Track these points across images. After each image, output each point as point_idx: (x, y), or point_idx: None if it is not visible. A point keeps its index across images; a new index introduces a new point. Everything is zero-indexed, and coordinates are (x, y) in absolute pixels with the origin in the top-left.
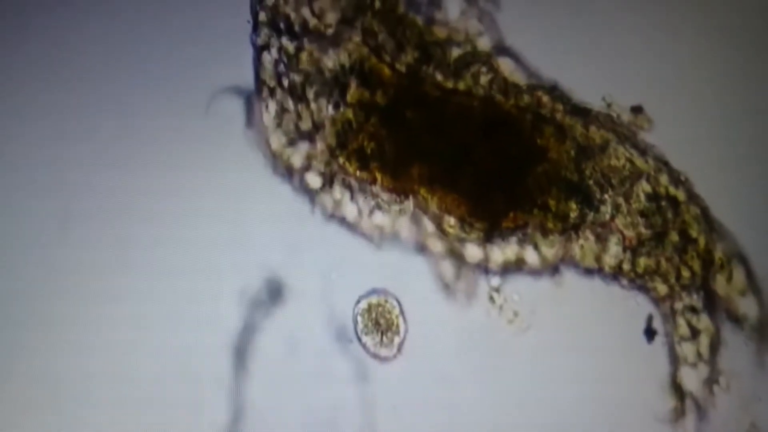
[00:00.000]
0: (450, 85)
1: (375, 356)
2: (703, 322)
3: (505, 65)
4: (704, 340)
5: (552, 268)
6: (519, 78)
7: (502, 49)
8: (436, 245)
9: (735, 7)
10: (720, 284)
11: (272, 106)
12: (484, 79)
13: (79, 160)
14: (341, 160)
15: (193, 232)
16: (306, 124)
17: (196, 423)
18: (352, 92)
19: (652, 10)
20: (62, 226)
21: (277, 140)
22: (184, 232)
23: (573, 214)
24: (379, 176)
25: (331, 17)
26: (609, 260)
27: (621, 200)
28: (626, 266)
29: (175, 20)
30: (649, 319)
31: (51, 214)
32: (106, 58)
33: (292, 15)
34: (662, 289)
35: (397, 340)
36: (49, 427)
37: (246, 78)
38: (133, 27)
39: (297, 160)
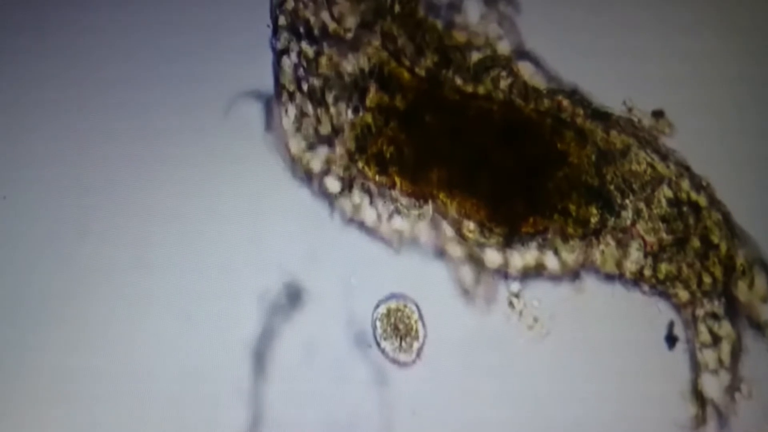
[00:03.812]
0: (470, 89)
1: (394, 361)
2: (725, 328)
3: (525, 69)
4: (726, 347)
5: (572, 274)
6: (539, 82)
7: (521, 53)
8: (456, 250)
9: (757, 10)
10: (742, 290)
11: (292, 110)
12: (503, 84)
13: (99, 161)
14: (360, 164)
15: (213, 236)
16: (325, 129)
17: (216, 426)
18: (372, 96)
19: (673, 14)
20: (81, 226)
21: (296, 144)
22: (203, 235)
23: (594, 219)
24: (398, 180)
25: (351, 21)
26: (630, 266)
27: (642, 205)
28: (647, 272)
29: (195, 24)
30: (671, 325)
31: (69, 214)
32: (128, 60)
33: (312, 19)
34: (684, 295)
35: (416, 345)
36: (63, 425)
37: (266, 82)
38: (155, 31)
39: (316, 164)
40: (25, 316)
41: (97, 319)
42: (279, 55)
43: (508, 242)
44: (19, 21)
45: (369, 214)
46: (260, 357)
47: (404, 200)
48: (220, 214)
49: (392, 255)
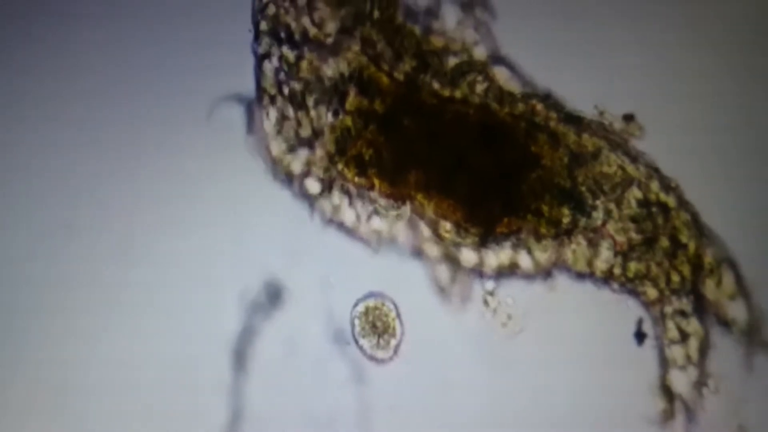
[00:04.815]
0: (447, 93)
1: (372, 358)
2: (693, 325)
3: (501, 74)
4: (694, 344)
5: (545, 273)
6: (514, 87)
7: (497, 59)
8: (432, 250)
9: (725, 15)
10: (709, 289)
11: (273, 114)
12: (479, 88)
13: (82, 168)
14: (340, 166)
15: (195, 236)
16: (306, 131)
17: (196, 425)
18: (351, 100)
19: (645, 20)
20: (66, 234)
21: (277, 147)
22: (185, 234)
23: (566, 220)
24: (376, 182)
25: (331, 27)
26: (600, 265)
27: (612, 206)
28: (617, 271)
29: (177, 29)
30: (640, 322)
31: (54, 222)
32: (108, 66)
33: (293, 24)
34: (652, 293)
35: (393, 342)
36: (45, 416)
37: (247, 86)
38: (135, 35)
39: (297, 166)
40: (6, 330)
41: (79, 315)
42: (260, 59)
43: (483, 242)
44: (3, 27)
45: (348, 215)
46: (240, 354)
47: (383, 201)
48: (203, 214)
49: (371, 254)
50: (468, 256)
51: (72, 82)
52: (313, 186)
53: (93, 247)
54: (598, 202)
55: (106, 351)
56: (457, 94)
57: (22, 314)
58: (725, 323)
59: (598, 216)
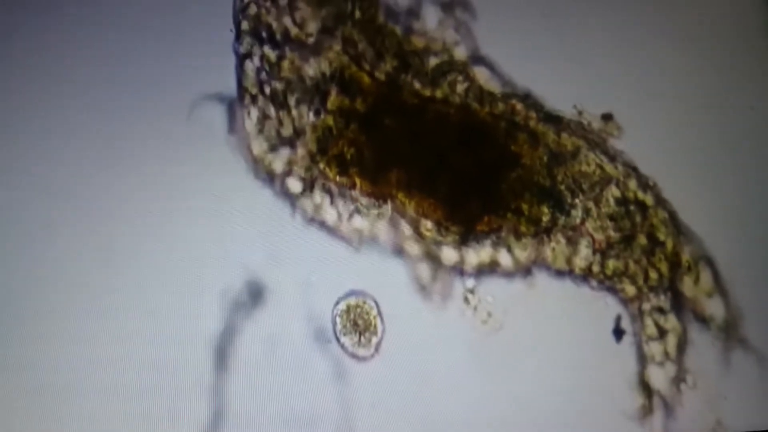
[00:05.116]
0: (427, 93)
1: (353, 356)
2: (671, 322)
3: (481, 74)
4: (671, 340)
5: (524, 270)
6: (494, 86)
7: (477, 59)
8: (413, 248)
9: (701, 18)
10: (687, 286)
11: (254, 113)
12: (460, 88)
13: (64, 160)
14: (321, 165)
15: (176, 235)
16: (287, 131)
17: (178, 421)
18: (333, 99)
19: (622, 23)
20: (46, 228)
21: (258, 146)
22: (167, 234)
23: (545, 218)
24: (358, 181)
25: (312, 27)
26: (579, 262)
27: (591, 205)
28: (596, 268)
29: (160, 28)
30: (618, 319)
31: (34, 210)
32: (93, 63)
33: (274, 24)
34: (630, 290)
35: (374, 340)
36: (26, 417)
37: (229, 85)
38: (120, 34)
39: (278, 165)
40: None
41: (61, 314)
42: (242, 59)
43: (464, 240)
44: None
45: (330, 214)
46: (222, 353)
47: (364, 200)
48: (184, 213)
49: (352, 253)
50: (449, 254)
51: (52, 84)
52: (294, 185)
53: (74, 248)
54: (577, 201)
55: (87, 351)
56: (438, 93)
57: (2, 313)
58: (703, 320)
59: (577, 214)
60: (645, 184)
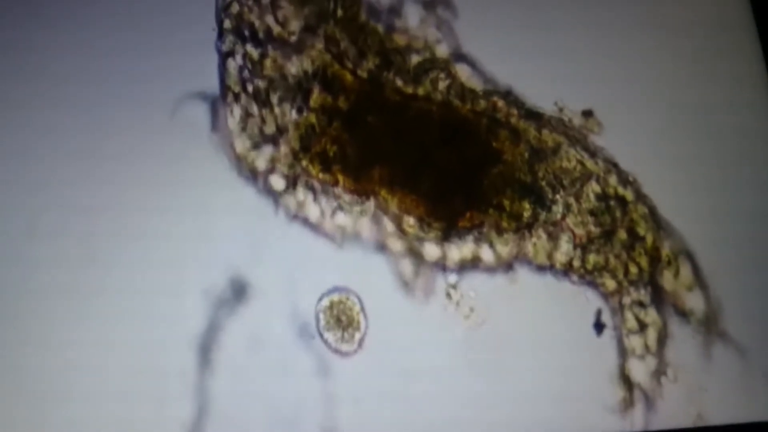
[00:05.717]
0: (410, 90)
1: (336, 351)
2: (651, 316)
3: (463, 71)
4: (652, 334)
5: (506, 266)
6: (475, 84)
7: (459, 56)
8: (396, 244)
9: (681, 15)
10: (667, 280)
11: (237, 111)
12: (442, 85)
13: (47, 159)
14: (304, 162)
15: (159, 232)
16: (270, 128)
17: (162, 417)
18: (315, 97)
19: (604, 20)
20: (29, 223)
21: (241, 144)
22: (150, 231)
23: (526, 214)
24: (341, 178)
25: (295, 25)
26: (560, 257)
27: (572, 200)
28: (576, 263)
29: (142, 27)
30: (599, 313)
31: (17, 211)
32: (77, 61)
33: (257, 23)
34: (611, 284)
35: (357, 335)
36: (10, 419)
37: (211, 83)
38: (102, 32)
39: (261, 162)
40: None
41: (44, 314)
42: (224, 57)
43: (446, 236)
44: None
45: (313, 211)
46: (206, 350)
47: (347, 197)
48: (167, 211)
49: (335, 250)
50: (431, 250)
51: (35, 86)
52: (277, 182)
53: (55, 249)
54: (558, 197)
55: (70, 347)
56: (420, 91)
57: None
58: (683, 313)
59: (558, 210)
60: (625, 180)
